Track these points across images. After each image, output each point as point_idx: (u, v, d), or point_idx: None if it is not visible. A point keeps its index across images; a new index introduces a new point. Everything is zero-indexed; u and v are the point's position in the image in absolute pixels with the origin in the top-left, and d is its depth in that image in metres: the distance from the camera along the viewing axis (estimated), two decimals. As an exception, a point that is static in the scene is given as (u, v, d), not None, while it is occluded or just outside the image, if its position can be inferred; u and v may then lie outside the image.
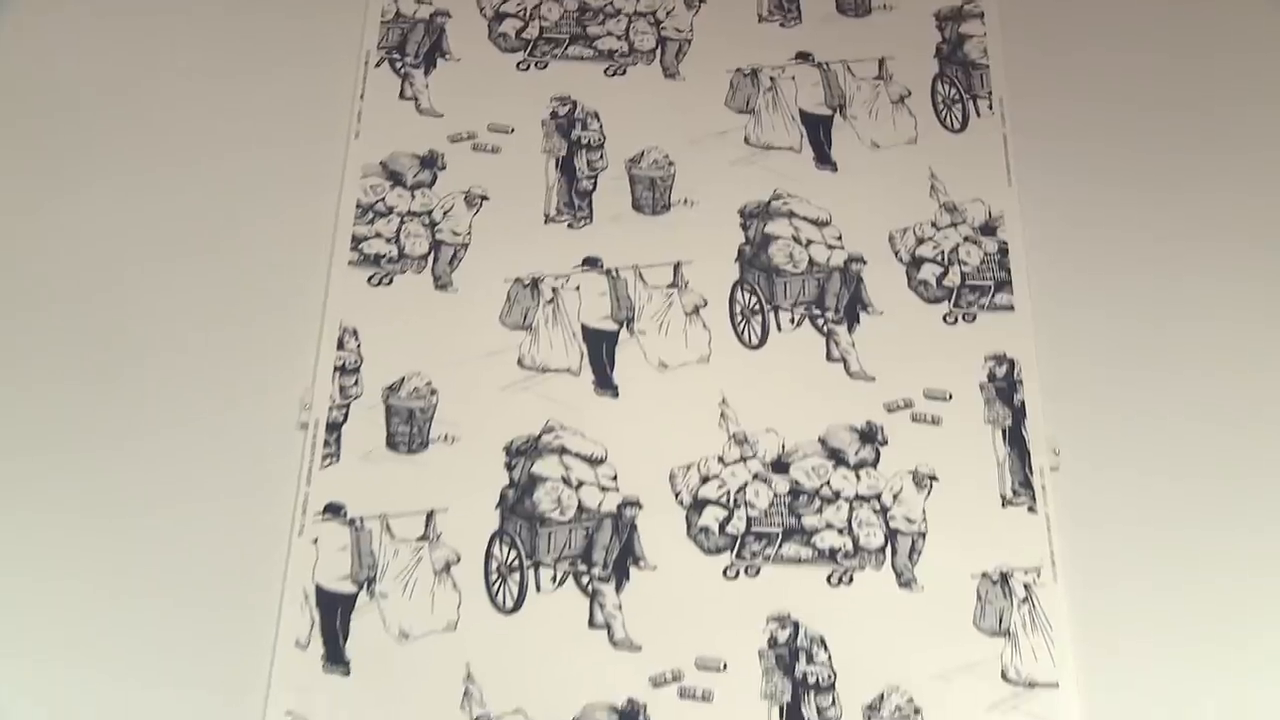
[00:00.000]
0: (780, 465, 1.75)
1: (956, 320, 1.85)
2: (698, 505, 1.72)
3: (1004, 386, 1.80)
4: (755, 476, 1.74)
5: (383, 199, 1.93)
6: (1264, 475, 1.74)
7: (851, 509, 1.72)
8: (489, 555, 1.69)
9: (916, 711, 1.60)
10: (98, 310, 1.85)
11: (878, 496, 1.73)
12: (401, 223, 1.91)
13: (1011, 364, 1.81)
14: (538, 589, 1.68)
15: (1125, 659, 1.63)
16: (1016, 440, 1.76)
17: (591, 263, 1.90)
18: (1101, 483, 1.74)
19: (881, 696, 1.61)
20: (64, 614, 1.66)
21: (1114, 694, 1.62)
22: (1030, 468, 1.75)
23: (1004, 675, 1.62)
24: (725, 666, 1.63)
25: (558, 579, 1.68)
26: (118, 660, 1.62)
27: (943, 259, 1.90)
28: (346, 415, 1.77)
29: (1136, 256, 1.89)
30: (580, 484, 1.73)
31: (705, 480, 1.74)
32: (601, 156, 1.98)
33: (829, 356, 1.83)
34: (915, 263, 1.90)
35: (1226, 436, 1.77)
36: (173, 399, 1.79)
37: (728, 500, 1.72)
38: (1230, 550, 1.70)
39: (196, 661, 1.62)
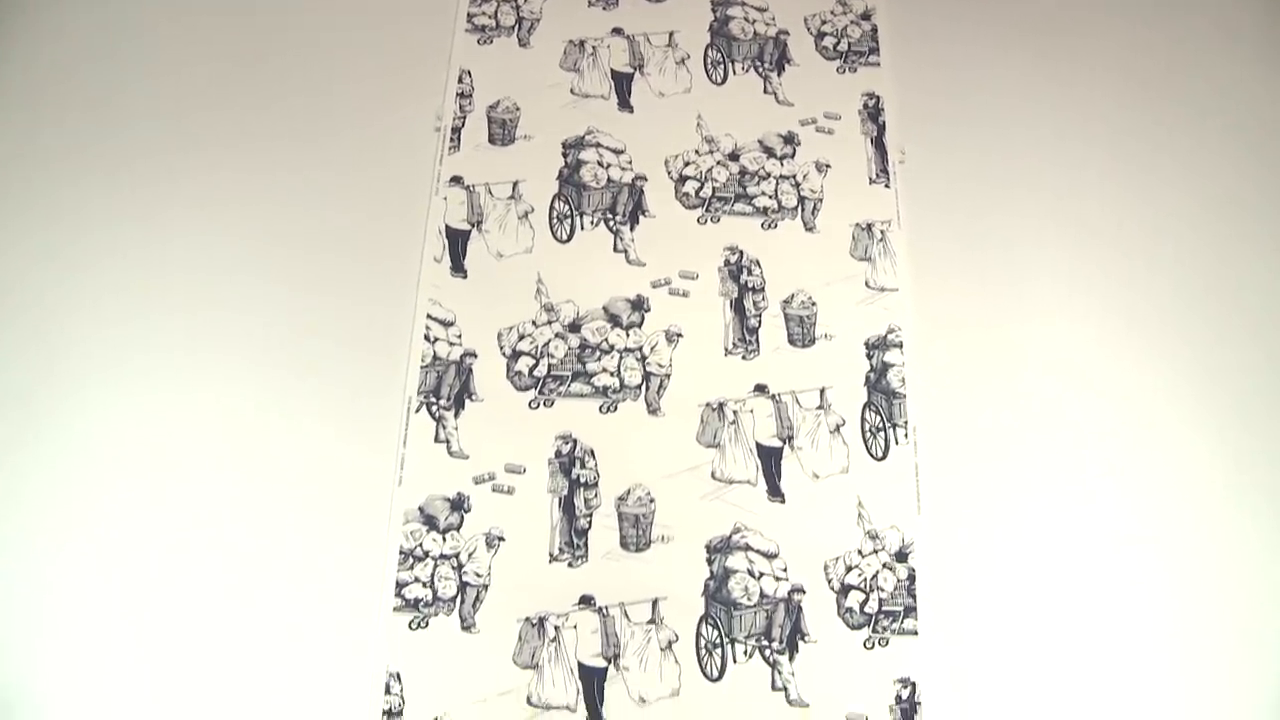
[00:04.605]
0: (734, 156, 1.66)
1: (844, 71, 1.74)
2: (682, 180, 1.63)
3: (873, 111, 1.70)
4: (717, 164, 1.65)
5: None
6: (1048, 168, 1.65)
7: (778, 185, 1.63)
8: (552, 208, 1.61)
9: (813, 304, 1.55)
10: (305, 72, 1.71)
11: (794, 175, 1.64)
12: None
13: (878, 98, 1.70)
14: (582, 228, 1.60)
15: (943, 274, 1.58)
16: (879, 145, 1.67)
17: None
18: (931, 172, 1.66)
19: (793, 295, 1.56)
20: (268, 253, 1.58)
21: (933, 295, 1.57)
22: (887, 161, 1.66)
23: (867, 284, 1.57)
24: (698, 276, 1.57)
25: (596, 224, 1.60)
26: (311, 279, 1.55)
27: (837, 32, 1.76)
28: (464, 123, 1.67)
29: (963, 35, 1.76)
30: (609, 165, 1.64)
31: (686, 164, 1.65)
32: None
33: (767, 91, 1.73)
34: (819, 36, 1.76)
35: (1032, 138, 1.68)
36: (360, 118, 1.67)
37: (701, 177, 1.63)
38: (1022, 202, 1.63)
39: (369, 273, 1.56)
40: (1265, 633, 1.38)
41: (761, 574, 1.40)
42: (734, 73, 1.72)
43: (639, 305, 1.54)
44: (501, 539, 1.41)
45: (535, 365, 1.50)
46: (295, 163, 1.62)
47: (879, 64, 1.74)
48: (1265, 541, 1.43)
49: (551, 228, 1.59)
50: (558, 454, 1.45)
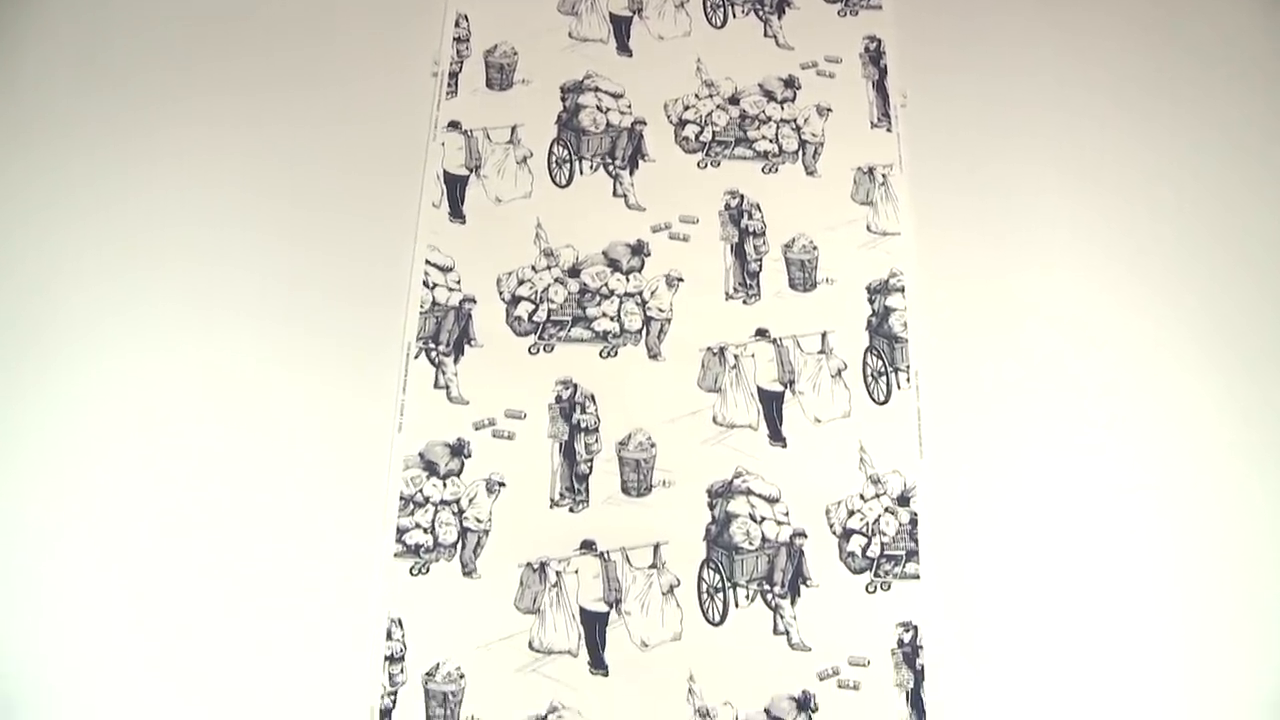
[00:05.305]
0: (734, 100, 1.59)
1: (845, 15, 1.66)
2: (682, 124, 1.56)
3: (875, 55, 1.63)
4: (717, 108, 1.58)
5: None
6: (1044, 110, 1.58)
7: (778, 129, 1.56)
8: (550, 152, 1.54)
9: (814, 248, 1.49)
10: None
11: (794, 119, 1.57)
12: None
13: (879, 42, 1.63)
14: (581, 173, 1.52)
15: (945, 218, 1.52)
16: (881, 89, 1.60)
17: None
18: (933, 116, 1.58)
19: (794, 239, 1.50)
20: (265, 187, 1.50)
21: (935, 239, 1.51)
22: (889, 105, 1.58)
23: (868, 228, 1.51)
24: (698, 220, 1.50)
25: (595, 169, 1.52)
26: (308, 227, 1.48)
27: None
28: (461, 67, 1.59)
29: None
30: (608, 109, 1.57)
31: (686, 109, 1.58)
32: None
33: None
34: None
35: (1034, 84, 1.60)
36: (355, 64, 1.58)
37: (701, 121, 1.56)
38: (1024, 148, 1.56)
39: (367, 220, 1.48)
40: (1269, 586, 1.33)
41: (763, 518, 1.35)
42: (733, 16, 1.65)
43: (639, 250, 1.47)
44: (502, 484, 1.35)
45: (535, 310, 1.44)
46: (289, 111, 1.54)
47: (880, 7, 1.66)
48: (1269, 493, 1.37)
49: (550, 172, 1.52)
50: (558, 399, 1.39)
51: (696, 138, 1.55)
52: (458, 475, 1.36)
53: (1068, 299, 1.46)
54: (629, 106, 1.56)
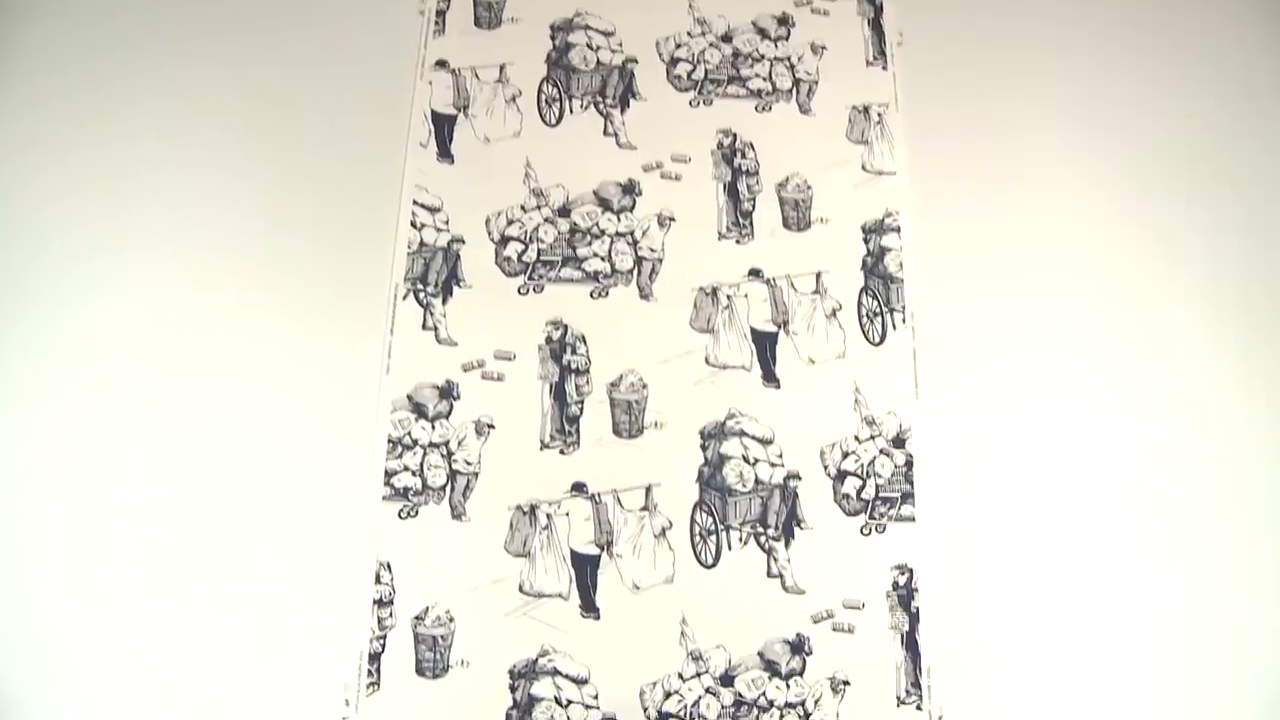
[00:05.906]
0: (726, 38, 1.54)
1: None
2: (674, 62, 1.52)
3: (872, -4, 1.56)
4: (710, 46, 1.53)
5: None
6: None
7: (772, 67, 1.51)
8: (540, 91, 1.49)
9: (809, 187, 1.44)
10: None
11: (788, 57, 1.52)
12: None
13: (877, -16, 1.58)
14: (571, 112, 1.48)
15: (941, 157, 1.47)
16: (877, 26, 1.55)
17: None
18: (929, 55, 1.53)
19: (787, 178, 1.45)
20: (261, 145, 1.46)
21: (931, 178, 1.46)
22: (885, 43, 1.54)
23: (864, 167, 1.47)
24: (690, 159, 1.46)
25: (585, 108, 1.48)
26: (295, 168, 1.43)
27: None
28: (449, 5, 1.54)
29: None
30: (599, 48, 1.52)
31: (678, 47, 1.54)
32: None
33: None
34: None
35: (1031, 21, 1.55)
36: (345, 5, 1.53)
37: (693, 59, 1.52)
38: (1021, 87, 1.51)
39: (354, 160, 1.44)
40: (1266, 534, 1.30)
41: (756, 460, 1.31)
42: None
43: (630, 189, 1.43)
44: (491, 426, 1.32)
45: (524, 250, 1.39)
46: (275, 51, 1.49)
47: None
48: (1271, 437, 1.33)
49: (540, 111, 1.48)
50: (548, 340, 1.35)
51: (689, 76, 1.50)
52: (446, 417, 1.32)
53: (1065, 239, 1.43)
54: (620, 45, 1.51)
